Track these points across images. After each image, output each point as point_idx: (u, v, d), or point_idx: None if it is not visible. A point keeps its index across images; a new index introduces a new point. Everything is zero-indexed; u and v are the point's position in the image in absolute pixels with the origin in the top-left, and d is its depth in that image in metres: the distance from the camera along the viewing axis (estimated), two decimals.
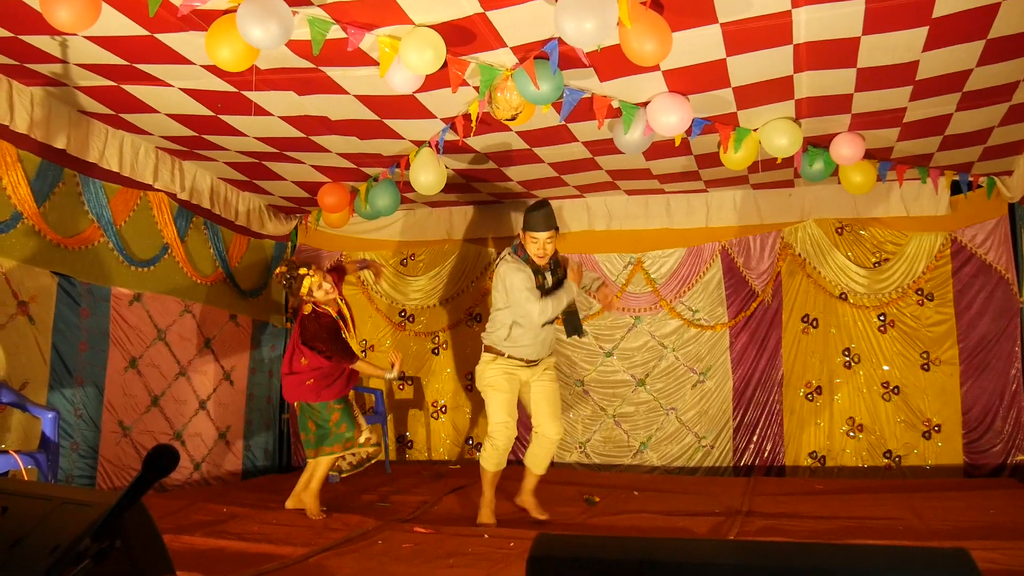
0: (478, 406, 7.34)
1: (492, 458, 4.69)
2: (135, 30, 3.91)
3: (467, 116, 4.85)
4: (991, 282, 6.36)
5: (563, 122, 5.06)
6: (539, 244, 4.63)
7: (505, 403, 4.71)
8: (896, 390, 6.53)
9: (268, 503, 5.16)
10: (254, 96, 4.75)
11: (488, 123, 5.01)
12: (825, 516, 4.64)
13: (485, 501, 4.73)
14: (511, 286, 4.59)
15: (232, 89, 4.65)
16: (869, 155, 5.57)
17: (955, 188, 6.34)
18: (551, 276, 4.77)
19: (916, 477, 6.28)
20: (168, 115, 5.08)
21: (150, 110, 5.00)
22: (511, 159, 6.00)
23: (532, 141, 5.57)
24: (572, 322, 4.82)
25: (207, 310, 6.48)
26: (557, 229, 4.70)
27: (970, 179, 6.16)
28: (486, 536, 4.12)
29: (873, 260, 6.66)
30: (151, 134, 5.46)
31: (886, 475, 6.39)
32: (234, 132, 5.37)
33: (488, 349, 4.79)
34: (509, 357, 4.71)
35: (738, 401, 6.81)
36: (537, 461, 4.83)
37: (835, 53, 4.19)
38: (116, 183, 5.50)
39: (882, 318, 6.62)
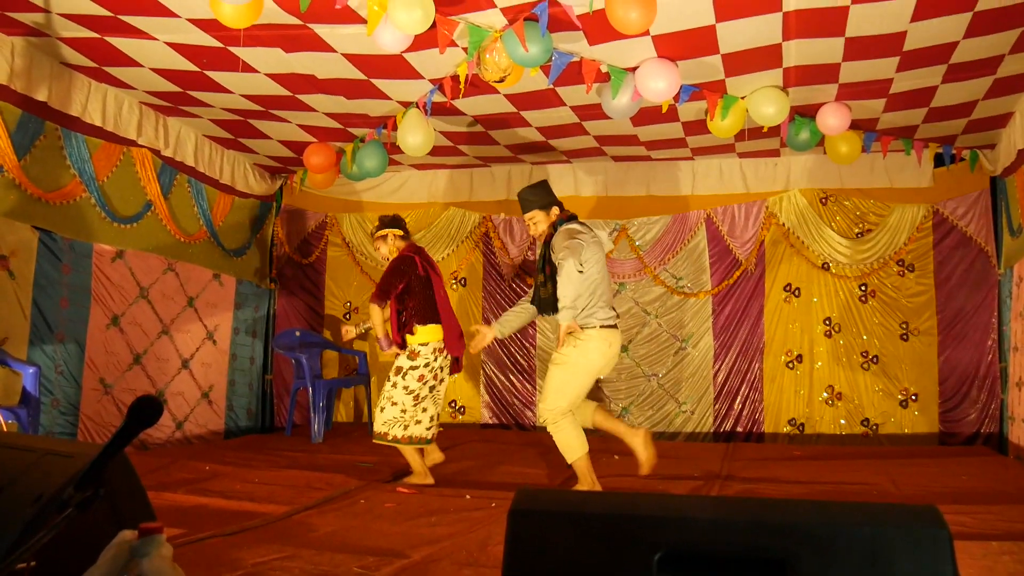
0: (464, 371, 7.36)
1: None
2: None
3: (455, 78, 4.81)
4: (971, 254, 6.44)
5: (551, 86, 5.04)
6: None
7: None
8: (875, 359, 6.61)
9: (250, 462, 5.18)
10: (241, 52, 4.69)
11: (476, 85, 4.98)
12: (802, 481, 4.71)
13: None
14: None
15: (219, 44, 4.60)
16: (855, 126, 5.60)
17: (938, 160, 6.39)
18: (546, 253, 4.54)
19: (893, 444, 6.38)
20: (152, 69, 5.02)
21: (134, 64, 4.94)
22: (498, 122, 5.97)
23: (520, 104, 5.55)
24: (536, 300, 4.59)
25: (190, 269, 6.45)
26: (542, 208, 4.48)
27: (953, 152, 6.20)
28: (468, 496, 4.17)
29: (856, 231, 6.70)
30: (135, 88, 5.39)
31: (863, 442, 6.49)
32: (220, 89, 5.31)
33: None
34: None
35: (719, 368, 6.87)
36: None
37: (824, 21, 4.18)
38: (99, 138, 5.43)
39: (863, 288, 6.68)
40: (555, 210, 4.53)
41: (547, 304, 4.47)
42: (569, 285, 4.19)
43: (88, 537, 1.54)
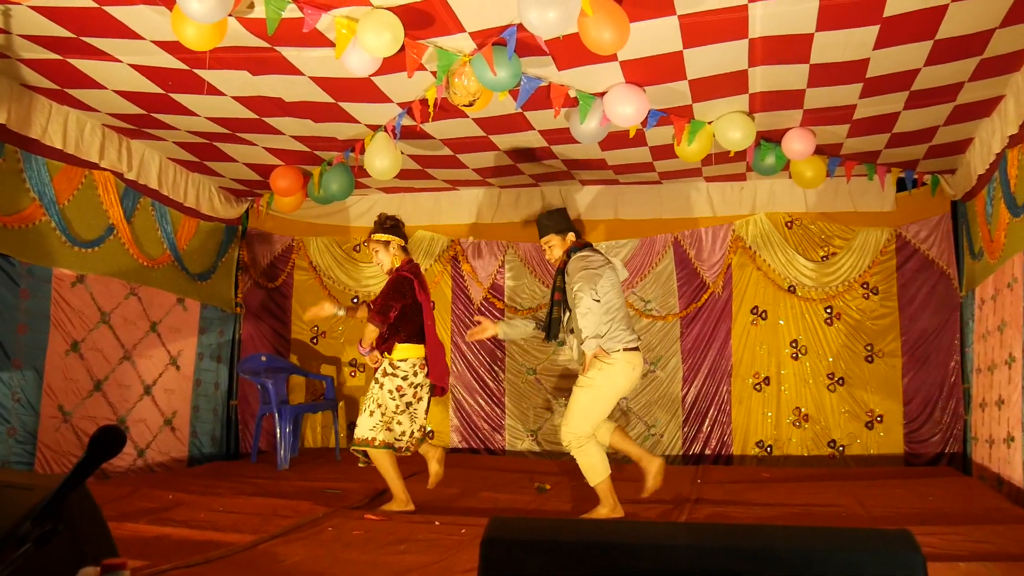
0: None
1: None
2: (83, 1, 3.80)
3: (424, 101, 4.81)
4: (933, 277, 6.54)
5: (520, 110, 5.05)
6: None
7: None
8: (841, 381, 6.67)
9: (215, 489, 5.08)
10: (206, 75, 4.65)
11: (445, 109, 4.98)
12: (771, 503, 4.73)
13: None
14: None
15: (184, 67, 4.55)
16: (819, 151, 5.68)
17: (901, 185, 6.50)
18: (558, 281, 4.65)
19: (859, 466, 6.43)
20: (116, 92, 4.95)
21: (97, 86, 4.87)
22: (467, 146, 5.97)
23: (488, 128, 5.56)
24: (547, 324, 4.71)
25: (153, 293, 6.34)
26: (558, 232, 4.67)
27: (915, 176, 6.31)
28: (437, 523, 4.12)
29: (821, 254, 6.78)
30: (98, 111, 5.32)
31: (830, 464, 6.53)
32: (185, 111, 5.26)
33: None
34: None
35: (688, 391, 6.89)
36: None
37: (789, 48, 4.25)
38: (60, 161, 5.34)
39: (829, 311, 6.75)
40: (571, 236, 4.70)
41: (557, 328, 4.60)
42: (589, 317, 4.31)
43: (47, 574, 1.49)
